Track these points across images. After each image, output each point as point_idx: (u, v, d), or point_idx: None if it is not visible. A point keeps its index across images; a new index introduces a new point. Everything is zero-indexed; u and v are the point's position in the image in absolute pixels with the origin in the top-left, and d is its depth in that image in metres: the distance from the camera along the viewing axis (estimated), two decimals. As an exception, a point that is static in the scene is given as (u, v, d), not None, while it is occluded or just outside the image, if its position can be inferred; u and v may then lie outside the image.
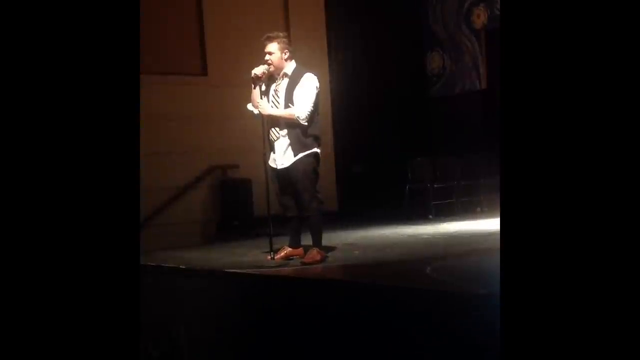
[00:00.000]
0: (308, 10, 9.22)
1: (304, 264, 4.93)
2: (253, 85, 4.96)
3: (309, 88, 4.85)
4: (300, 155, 4.88)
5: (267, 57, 4.92)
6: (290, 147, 4.90)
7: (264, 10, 8.78)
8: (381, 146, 9.64)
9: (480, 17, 10.10)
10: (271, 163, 5.02)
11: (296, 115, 4.82)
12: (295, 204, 5.03)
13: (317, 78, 4.95)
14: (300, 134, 4.87)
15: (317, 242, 5.03)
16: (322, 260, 4.98)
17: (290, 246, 5.19)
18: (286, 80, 4.94)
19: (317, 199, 4.98)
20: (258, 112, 4.99)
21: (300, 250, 5.18)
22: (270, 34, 4.99)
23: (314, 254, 4.96)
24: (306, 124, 4.85)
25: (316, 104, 4.90)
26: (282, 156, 4.93)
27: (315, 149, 4.94)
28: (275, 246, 5.12)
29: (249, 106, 5.04)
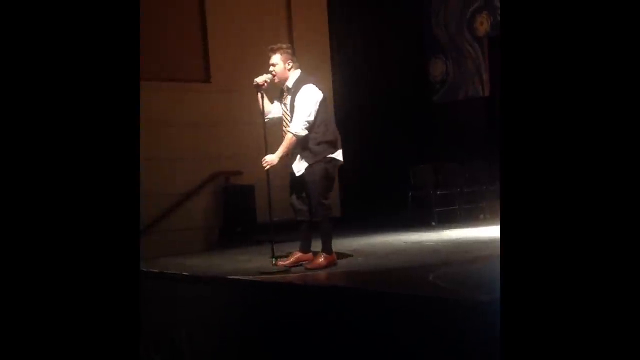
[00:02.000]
0: (311, 17, 9.24)
1: (307, 269, 4.94)
2: (257, 92, 5.02)
3: (303, 101, 4.89)
4: (312, 163, 4.95)
5: (271, 68, 4.99)
6: (301, 157, 4.98)
7: (267, 17, 8.81)
8: (384, 152, 9.64)
9: (483, 25, 10.11)
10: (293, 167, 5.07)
11: (292, 134, 4.88)
12: (307, 208, 5.07)
13: (318, 86, 4.99)
14: (308, 144, 4.93)
15: (326, 247, 5.06)
16: (328, 265, 4.99)
17: (300, 251, 5.22)
18: (290, 94, 5.01)
19: (325, 205, 5.01)
20: (267, 119, 5.11)
21: (309, 255, 5.20)
22: (274, 46, 5.06)
23: (319, 260, 4.99)
24: (305, 132, 4.89)
25: (317, 112, 4.92)
26: (297, 164, 5.01)
27: (330, 155, 4.99)
28: (286, 251, 5.14)
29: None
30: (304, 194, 5.06)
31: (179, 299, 5.10)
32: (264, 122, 5.06)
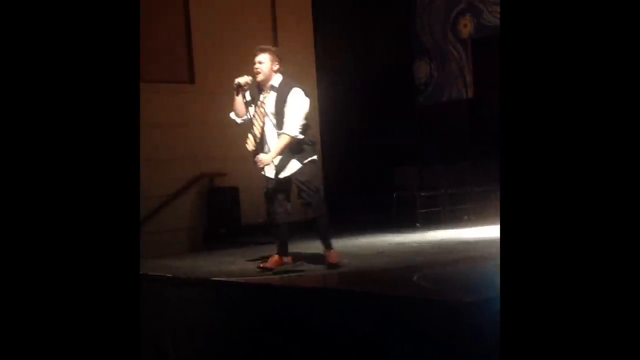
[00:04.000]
0: (295, 20, 9.24)
1: (331, 266, 5.00)
2: (235, 93, 5.01)
3: (297, 104, 4.92)
4: (304, 162, 4.99)
5: (257, 65, 4.98)
6: (290, 159, 4.99)
7: (251, 19, 8.80)
8: (368, 154, 9.67)
9: (467, 27, 10.17)
10: (268, 173, 5.06)
11: (290, 136, 4.88)
12: (285, 210, 5.06)
13: (304, 90, 5.01)
14: (300, 145, 4.97)
15: (328, 242, 5.13)
16: (340, 261, 5.08)
17: (279, 254, 5.20)
18: (273, 93, 4.99)
19: (323, 200, 5.09)
20: (241, 120, 5.08)
21: (289, 258, 5.20)
22: (263, 46, 5.14)
23: (334, 256, 5.08)
24: (302, 135, 4.93)
25: (306, 116, 4.98)
26: (285, 167, 5.00)
27: (314, 156, 5.06)
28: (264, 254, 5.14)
29: (232, 115, 5.12)
30: (282, 197, 5.05)
31: (163, 301, 5.08)
32: (239, 123, 5.08)
